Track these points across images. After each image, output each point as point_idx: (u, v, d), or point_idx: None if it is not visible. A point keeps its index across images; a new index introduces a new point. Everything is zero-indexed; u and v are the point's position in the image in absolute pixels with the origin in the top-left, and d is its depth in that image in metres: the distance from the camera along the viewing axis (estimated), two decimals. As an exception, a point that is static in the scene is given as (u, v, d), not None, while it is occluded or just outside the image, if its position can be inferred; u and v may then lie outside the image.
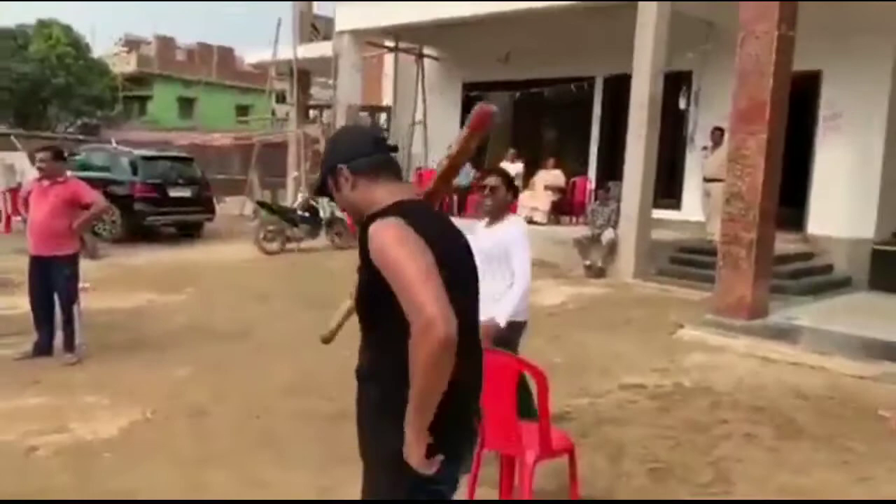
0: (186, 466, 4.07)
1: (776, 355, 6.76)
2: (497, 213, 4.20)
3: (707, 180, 10.79)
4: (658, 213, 11.16)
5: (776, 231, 7.97)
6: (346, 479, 3.85)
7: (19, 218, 10.54)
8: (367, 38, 15.08)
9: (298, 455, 4.34)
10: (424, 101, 15.54)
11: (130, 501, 2.75)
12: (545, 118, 15.10)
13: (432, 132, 15.56)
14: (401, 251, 1.82)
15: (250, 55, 21.09)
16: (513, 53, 14.12)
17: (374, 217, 1.95)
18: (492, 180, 4.19)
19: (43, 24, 33.19)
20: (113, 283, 9.42)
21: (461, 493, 2.23)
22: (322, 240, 12.89)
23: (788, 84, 7.55)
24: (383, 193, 2.03)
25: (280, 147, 19.57)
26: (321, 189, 2.13)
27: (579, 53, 12.78)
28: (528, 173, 13.37)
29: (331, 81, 15.76)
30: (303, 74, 18.74)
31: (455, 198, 13.28)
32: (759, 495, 4.05)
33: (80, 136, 26.74)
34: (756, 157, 7.40)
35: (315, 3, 19.70)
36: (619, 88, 12.07)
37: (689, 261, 10.27)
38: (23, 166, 13.47)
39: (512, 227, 4.15)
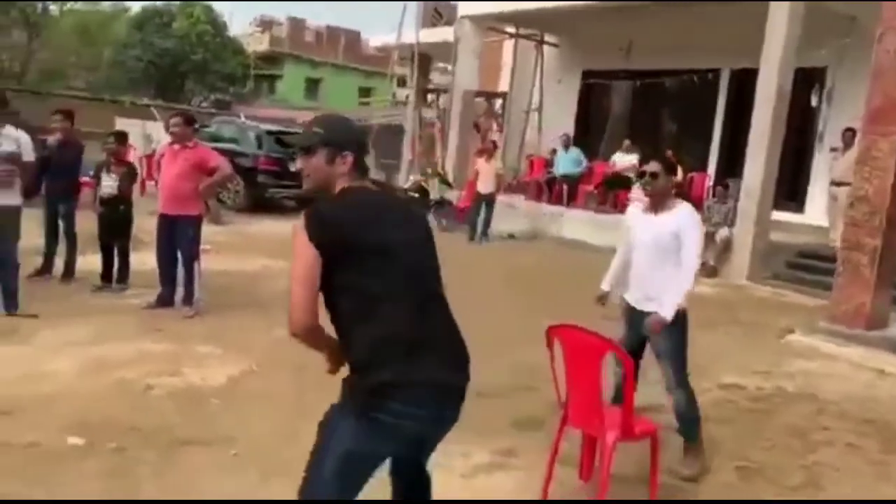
0: (283, 416, 4.31)
1: (894, 368, 6.38)
2: (660, 200, 4.00)
3: (835, 184, 10.21)
4: (779, 215, 10.70)
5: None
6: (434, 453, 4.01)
7: (153, 182, 11.32)
8: (488, 24, 15.14)
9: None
10: (541, 88, 15.46)
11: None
12: (665, 110, 14.73)
13: (547, 120, 15.48)
14: (297, 245, 2.20)
15: (375, 39, 21.58)
16: (635, 43, 13.83)
17: (320, 202, 2.30)
18: (652, 166, 4.01)
19: (187, 3, 35.20)
20: (232, 247, 9.97)
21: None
22: (430, 221, 13.11)
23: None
24: (342, 181, 2.33)
25: (398, 130, 20.00)
26: (307, 148, 2.35)
27: (706, 44, 12.36)
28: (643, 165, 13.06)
29: (450, 67, 15.96)
30: (424, 59, 19.01)
31: (564, 188, 13.18)
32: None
33: (213, 111, 28.22)
34: (887, 159, 6.96)
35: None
36: (746, 82, 11.60)
37: (808, 266, 9.79)
38: (159, 136, 14.43)
39: (684, 215, 3.96)
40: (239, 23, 48.82)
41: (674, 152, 12.98)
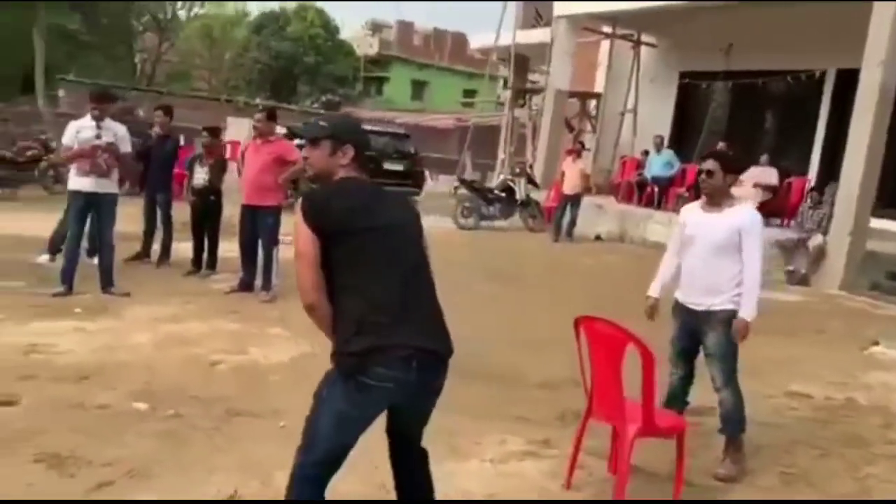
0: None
1: (984, 388, 5.97)
2: (717, 199, 3.95)
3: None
4: (880, 223, 10.13)
5: None
6: (470, 438, 4.14)
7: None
8: (584, 24, 15.05)
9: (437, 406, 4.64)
10: (637, 89, 15.22)
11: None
12: (765, 112, 14.19)
13: (642, 121, 15.22)
14: (297, 228, 2.43)
15: (475, 40, 21.81)
16: (736, 43, 13.40)
17: (314, 190, 2.55)
18: (708, 164, 3.98)
19: (302, 7, 36.69)
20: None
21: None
22: (517, 221, 13.19)
23: None
24: (342, 172, 2.56)
25: (496, 130, 20.14)
26: (314, 139, 2.57)
27: (810, 44, 11.85)
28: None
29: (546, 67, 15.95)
30: (522, 60, 19.05)
31: (655, 190, 12.94)
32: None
33: (322, 112, 29.26)
34: None
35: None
36: (853, 83, 11.04)
37: (911, 278, 9.24)
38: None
39: (743, 214, 3.93)
40: (351, 26, 50.34)
41: (772, 155, 12.64)
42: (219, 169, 7.66)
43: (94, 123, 6.02)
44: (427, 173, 22.12)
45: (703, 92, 14.54)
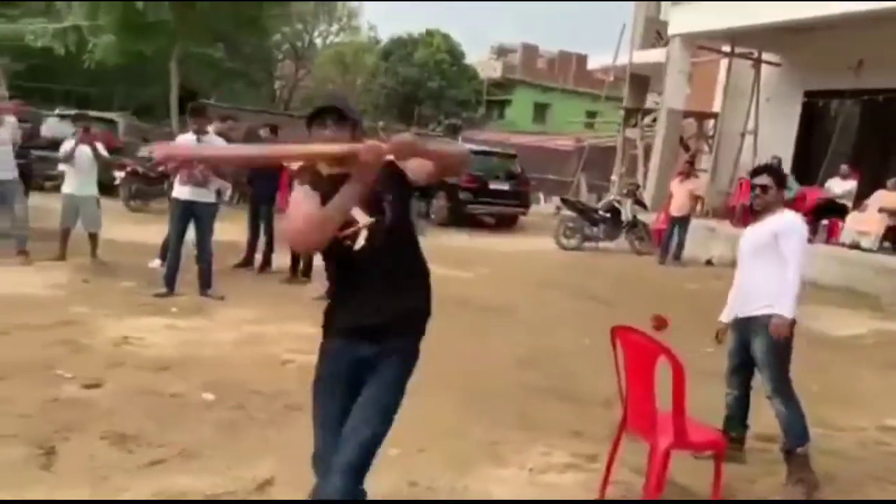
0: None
1: None
2: (767, 215, 4.04)
3: None
4: None
5: None
6: (516, 448, 4.14)
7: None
8: (700, 43, 14.64)
9: (481, 413, 4.68)
10: (758, 108, 14.59)
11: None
12: (896, 132, 13.21)
13: (763, 142, 14.55)
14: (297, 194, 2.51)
15: (593, 61, 21.65)
16: (866, 59, 12.62)
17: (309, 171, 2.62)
18: (763, 179, 4.04)
19: (429, 33, 37.73)
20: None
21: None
22: (622, 242, 12.93)
23: None
24: None
25: (613, 151, 19.85)
26: (354, 125, 2.49)
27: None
28: (864, 193, 11.85)
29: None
30: (641, 80, 18.78)
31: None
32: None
33: (440, 134, 29.87)
34: None
35: (663, 6, 19.56)
36: None
37: None
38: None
39: (785, 217, 3.99)
40: (477, 51, 51.20)
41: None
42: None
43: (194, 138, 6.52)
44: (541, 195, 22.17)
45: (830, 111, 13.74)
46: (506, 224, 15.43)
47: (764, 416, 4.19)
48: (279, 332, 5.96)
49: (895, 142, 13.37)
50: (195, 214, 6.67)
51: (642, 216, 12.94)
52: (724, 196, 14.87)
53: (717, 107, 15.65)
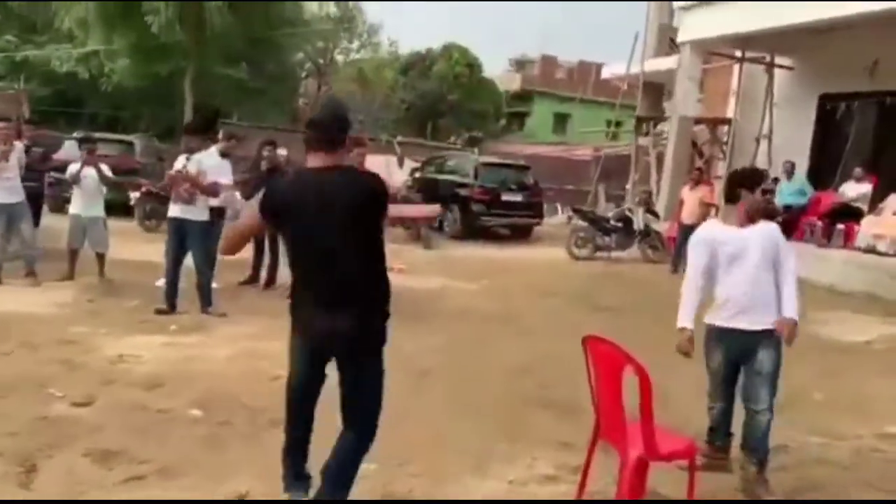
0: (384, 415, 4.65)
1: None
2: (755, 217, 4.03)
3: None
4: None
5: None
6: (502, 459, 4.12)
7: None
8: (710, 49, 14.54)
9: (470, 424, 4.67)
10: (772, 113, 14.43)
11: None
12: (914, 134, 12.96)
13: (779, 147, 14.38)
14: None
15: (607, 70, 21.60)
16: (882, 61, 12.43)
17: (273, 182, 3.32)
18: (771, 184, 4.13)
19: (447, 47, 37.91)
20: (425, 268, 10.67)
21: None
22: (634, 251, 12.84)
23: None
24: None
25: (629, 160, 19.73)
26: (344, 141, 3.04)
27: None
28: (880, 196, 11.64)
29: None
30: (655, 88, 18.69)
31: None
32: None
33: (458, 148, 29.94)
34: None
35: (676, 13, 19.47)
36: None
37: None
38: (389, 169, 15.78)
39: (773, 227, 4.03)
40: (496, 63, 51.33)
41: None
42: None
43: (185, 155, 6.63)
44: (558, 205, 22.08)
45: (845, 114, 13.53)
46: (520, 235, 15.39)
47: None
48: (274, 347, 5.89)
49: (912, 144, 13.14)
50: (186, 231, 6.76)
51: (655, 225, 12.82)
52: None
53: (730, 112, 15.51)
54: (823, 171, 13.49)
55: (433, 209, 13.73)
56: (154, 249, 10.28)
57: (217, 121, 20.75)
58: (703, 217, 11.93)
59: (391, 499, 3.66)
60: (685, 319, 3.94)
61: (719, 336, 4.01)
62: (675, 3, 15.72)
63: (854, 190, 11.64)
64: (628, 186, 16.58)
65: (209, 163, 6.78)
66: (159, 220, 12.91)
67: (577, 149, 29.83)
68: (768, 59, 14.47)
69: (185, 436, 4.18)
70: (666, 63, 17.00)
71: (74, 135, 13.84)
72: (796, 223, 12.00)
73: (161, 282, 7.93)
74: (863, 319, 8.76)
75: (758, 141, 14.78)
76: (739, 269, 3.89)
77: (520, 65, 43.38)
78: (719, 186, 14.09)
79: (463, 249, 13.23)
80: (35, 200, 8.35)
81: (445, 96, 36.11)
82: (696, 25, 14.01)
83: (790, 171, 12.37)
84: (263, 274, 8.59)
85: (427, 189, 15.21)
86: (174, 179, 6.76)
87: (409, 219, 13.32)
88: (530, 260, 12.61)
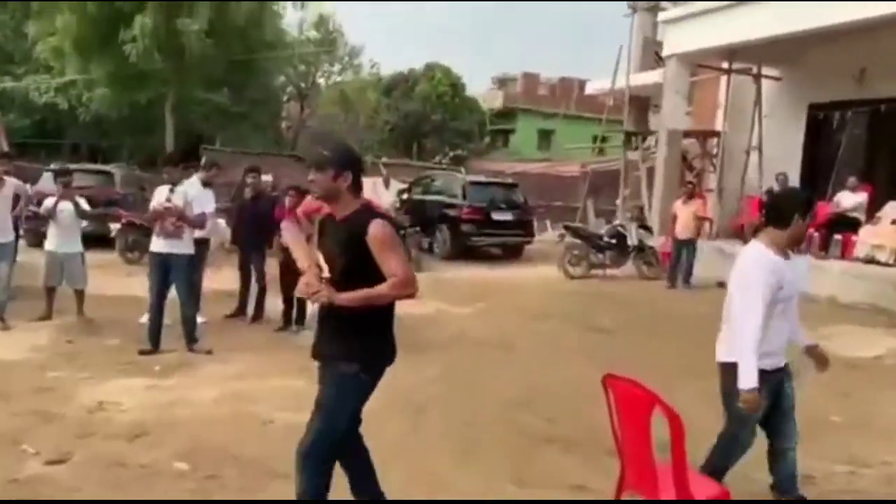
0: (381, 455, 4.33)
1: None
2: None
3: None
4: None
5: None
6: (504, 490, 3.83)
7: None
8: (697, 61, 14.42)
9: (470, 465, 4.37)
10: (761, 124, 14.30)
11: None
12: (907, 141, 12.85)
13: (770, 158, 14.24)
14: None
15: (591, 86, 21.49)
16: (869, 69, 12.35)
17: (366, 214, 3.11)
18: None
19: (429, 67, 37.85)
20: (418, 292, 10.34)
21: None
22: (629, 268, 12.60)
23: None
24: (345, 194, 3.10)
25: (618, 175, 19.55)
26: (319, 166, 3.03)
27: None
28: (876, 206, 11.49)
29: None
30: (641, 102, 18.54)
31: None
32: None
33: (444, 167, 29.76)
34: None
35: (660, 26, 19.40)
36: None
37: None
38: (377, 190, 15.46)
39: (807, 261, 3.91)
40: (479, 82, 51.40)
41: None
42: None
43: (167, 188, 6.34)
44: (547, 222, 21.87)
45: (835, 123, 13.43)
46: (512, 254, 15.13)
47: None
48: (264, 387, 5.67)
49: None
50: (170, 265, 6.45)
51: (649, 240, 12.60)
52: (734, 215, 14.52)
53: (719, 125, 15.37)
54: (815, 181, 13.34)
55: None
56: (136, 282, 9.93)
57: (199, 149, 20.56)
58: (698, 231, 11.78)
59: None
60: (754, 375, 3.31)
61: (763, 378, 3.39)
62: (659, 16, 15.61)
63: (849, 199, 11.49)
64: (618, 202, 16.38)
65: (192, 192, 6.48)
66: (142, 252, 12.55)
67: (564, 165, 29.73)
68: (755, 70, 14.35)
69: (169, 492, 3.85)
70: (652, 77, 16.86)
71: (51, 166, 13.49)
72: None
73: (145, 318, 7.60)
74: (868, 332, 8.56)
75: (748, 153, 14.63)
76: (784, 308, 3.48)
77: (502, 82, 43.40)
78: (712, 199, 13.97)
79: (454, 271, 12.95)
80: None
81: (429, 116, 36.00)
82: (681, 39, 13.89)
83: (784, 184, 12.21)
84: (250, 309, 8.26)
85: (415, 210, 14.91)
86: (160, 215, 6.43)
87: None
88: (523, 280, 12.34)
